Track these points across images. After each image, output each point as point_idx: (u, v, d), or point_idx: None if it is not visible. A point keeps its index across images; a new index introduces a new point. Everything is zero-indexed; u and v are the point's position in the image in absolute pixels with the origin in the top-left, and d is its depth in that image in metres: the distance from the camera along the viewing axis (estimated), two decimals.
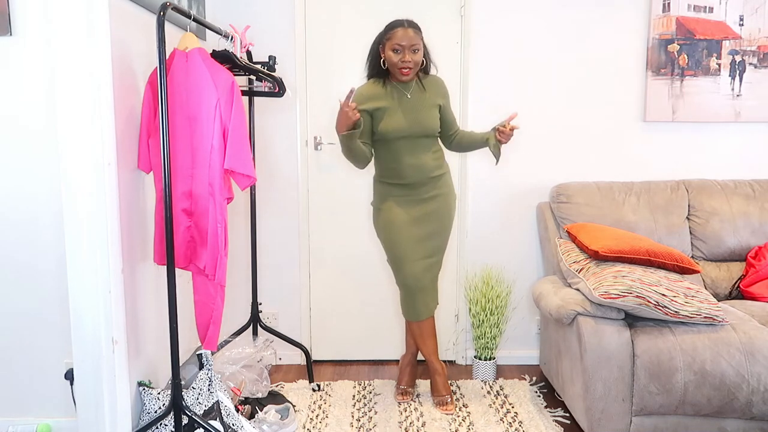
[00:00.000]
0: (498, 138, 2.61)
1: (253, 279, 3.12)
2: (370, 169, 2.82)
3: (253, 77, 2.89)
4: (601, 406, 2.38)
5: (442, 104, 2.74)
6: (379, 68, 2.68)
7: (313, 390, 3.06)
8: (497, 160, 2.66)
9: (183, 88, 2.21)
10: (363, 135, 2.65)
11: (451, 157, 2.98)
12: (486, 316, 3.15)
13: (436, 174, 2.73)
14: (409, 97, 2.68)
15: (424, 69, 2.73)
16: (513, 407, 2.87)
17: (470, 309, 3.21)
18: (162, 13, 2.06)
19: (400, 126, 2.64)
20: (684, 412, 2.36)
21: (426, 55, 2.69)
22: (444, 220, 2.79)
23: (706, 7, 3.20)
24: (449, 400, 2.87)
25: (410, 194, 2.73)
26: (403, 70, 2.60)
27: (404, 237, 2.72)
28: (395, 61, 2.59)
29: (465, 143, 2.81)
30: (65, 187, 2.02)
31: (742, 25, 3.22)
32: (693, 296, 2.38)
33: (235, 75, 2.39)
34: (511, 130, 2.59)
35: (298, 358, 3.40)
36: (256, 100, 3.07)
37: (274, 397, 2.84)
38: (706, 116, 3.27)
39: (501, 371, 3.29)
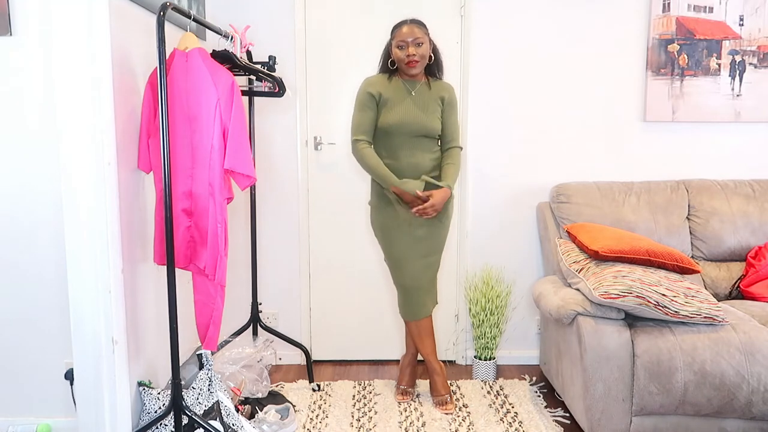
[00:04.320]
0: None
1: (253, 279, 3.12)
2: None
3: (253, 77, 2.89)
4: (601, 406, 2.38)
5: (443, 99, 2.74)
6: (387, 67, 2.73)
7: (313, 390, 3.06)
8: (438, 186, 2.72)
9: (183, 88, 2.21)
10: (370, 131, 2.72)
11: None
12: (486, 316, 3.15)
13: (434, 174, 2.74)
14: (413, 94, 2.69)
15: (431, 71, 2.76)
16: (513, 407, 2.87)
17: (470, 309, 3.21)
18: (162, 13, 2.06)
19: (400, 120, 2.66)
20: (684, 412, 2.36)
21: (435, 57, 2.74)
22: (442, 219, 2.78)
23: (706, 7, 3.20)
24: (448, 399, 2.87)
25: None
26: (410, 63, 2.64)
27: (401, 236, 2.72)
28: (401, 57, 2.64)
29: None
30: (65, 187, 2.02)
31: (742, 25, 3.21)
32: (693, 296, 2.38)
33: (235, 75, 2.39)
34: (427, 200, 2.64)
35: (298, 358, 3.40)
36: (256, 100, 3.07)
37: (274, 397, 2.84)
38: (706, 116, 3.27)
39: (501, 371, 3.29)
